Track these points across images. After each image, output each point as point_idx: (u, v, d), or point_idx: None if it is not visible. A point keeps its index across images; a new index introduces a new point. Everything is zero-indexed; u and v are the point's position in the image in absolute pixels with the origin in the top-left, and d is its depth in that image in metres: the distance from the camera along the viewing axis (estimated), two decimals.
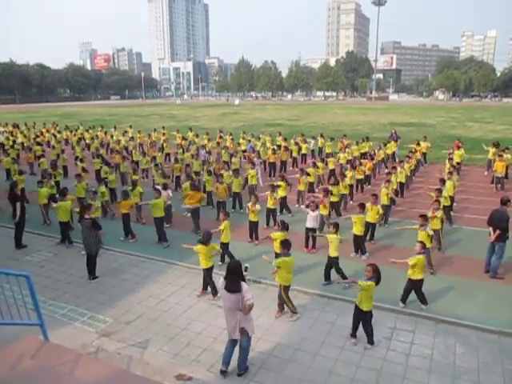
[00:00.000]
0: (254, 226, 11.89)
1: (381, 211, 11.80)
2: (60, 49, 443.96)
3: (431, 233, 9.64)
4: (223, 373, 6.39)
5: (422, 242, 8.39)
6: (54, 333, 6.71)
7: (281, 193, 13.63)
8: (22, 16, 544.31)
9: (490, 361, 6.75)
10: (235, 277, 6.15)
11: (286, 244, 7.98)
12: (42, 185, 13.66)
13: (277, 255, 9.09)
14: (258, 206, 11.63)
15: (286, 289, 7.92)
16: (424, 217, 9.79)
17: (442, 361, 6.76)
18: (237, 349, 6.49)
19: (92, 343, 7.07)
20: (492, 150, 20.16)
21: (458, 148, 21.12)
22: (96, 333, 7.55)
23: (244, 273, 6.46)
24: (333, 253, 9.22)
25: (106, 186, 14.68)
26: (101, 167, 17.51)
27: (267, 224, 13.11)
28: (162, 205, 11.89)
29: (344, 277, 9.11)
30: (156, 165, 16.72)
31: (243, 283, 6.15)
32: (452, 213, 14.02)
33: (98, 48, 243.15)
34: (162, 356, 6.86)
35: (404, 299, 8.34)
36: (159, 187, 13.13)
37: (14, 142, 26.89)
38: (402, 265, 8.29)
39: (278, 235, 9.30)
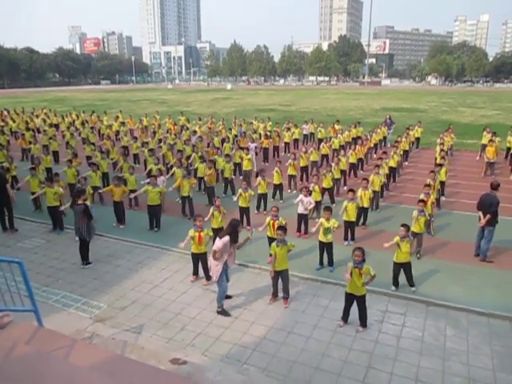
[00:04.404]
0: (244, 212, 11.81)
1: (371, 195, 11.86)
2: (49, 33, 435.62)
3: (428, 217, 9.76)
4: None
5: (405, 226, 8.42)
6: (48, 319, 6.72)
7: (277, 179, 13.69)
8: None
9: (479, 342, 6.89)
10: (227, 228, 7.74)
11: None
12: (35, 174, 13.13)
13: (270, 240, 9.16)
14: (250, 191, 11.63)
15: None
16: (424, 202, 9.89)
17: (432, 343, 6.89)
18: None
19: (86, 329, 7.10)
20: (487, 135, 20.18)
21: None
22: (90, 318, 7.58)
23: (250, 236, 8.08)
24: (322, 237, 9.31)
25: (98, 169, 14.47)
26: (92, 153, 17.36)
27: (257, 209, 13.14)
28: (158, 193, 11.81)
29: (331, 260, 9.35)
30: (150, 150, 16.57)
31: (227, 236, 7.52)
32: (443, 198, 14.15)
33: (88, 32, 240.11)
34: (156, 341, 6.91)
35: (395, 282, 8.48)
36: (156, 174, 12.97)
37: (3, 127, 26.50)
38: (392, 248, 8.38)
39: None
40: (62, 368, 4.87)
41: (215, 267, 7.59)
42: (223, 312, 7.71)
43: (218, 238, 7.67)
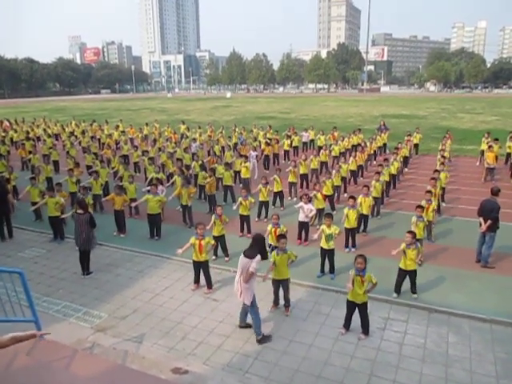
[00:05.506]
0: (245, 220, 11.80)
1: (372, 202, 11.87)
2: (49, 43, 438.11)
3: (427, 223, 9.77)
4: (240, 327, 7.44)
5: (412, 232, 8.43)
6: (49, 329, 6.67)
7: (276, 187, 13.69)
8: (9, 9, 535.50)
9: (481, 349, 6.85)
10: (255, 246, 7.10)
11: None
12: (35, 183, 13.14)
13: (271, 248, 9.14)
14: (250, 199, 11.62)
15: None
16: (422, 208, 9.90)
17: (434, 350, 6.85)
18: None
19: (87, 339, 7.07)
20: (485, 141, 20.17)
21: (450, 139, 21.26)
22: (91, 328, 7.55)
23: (267, 248, 7.63)
24: (324, 244, 9.29)
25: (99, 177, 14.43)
26: (93, 162, 17.37)
27: (258, 217, 13.14)
28: (158, 202, 11.79)
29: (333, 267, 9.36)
30: (150, 158, 16.60)
31: (259, 255, 6.95)
32: (444, 204, 14.14)
33: (88, 41, 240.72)
34: (157, 350, 6.88)
35: (397, 289, 8.45)
36: (155, 183, 12.97)
37: (4, 137, 26.56)
38: (395, 256, 8.36)
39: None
40: (63, 378, 4.84)
41: (246, 291, 6.98)
42: (264, 338, 7.08)
43: (245, 258, 6.97)
